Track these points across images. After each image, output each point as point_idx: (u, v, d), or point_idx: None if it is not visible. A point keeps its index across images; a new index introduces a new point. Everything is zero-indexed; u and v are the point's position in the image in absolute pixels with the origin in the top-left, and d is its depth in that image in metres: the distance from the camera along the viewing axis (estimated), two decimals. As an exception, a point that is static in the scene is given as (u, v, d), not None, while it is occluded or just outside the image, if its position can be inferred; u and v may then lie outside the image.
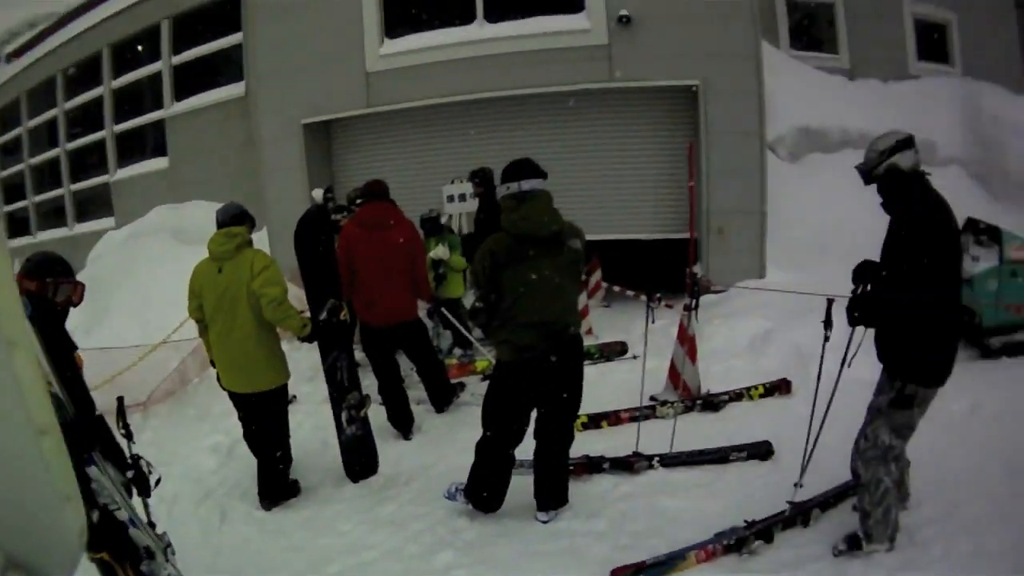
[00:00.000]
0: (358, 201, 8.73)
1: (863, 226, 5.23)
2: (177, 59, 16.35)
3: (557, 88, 10.63)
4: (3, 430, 1.44)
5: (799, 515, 5.07)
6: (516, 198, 5.22)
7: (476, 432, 5.82)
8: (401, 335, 8.06)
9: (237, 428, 7.30)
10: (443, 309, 9.33)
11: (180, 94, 16.49)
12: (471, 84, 11.01)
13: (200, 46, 16.00)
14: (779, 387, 7.12)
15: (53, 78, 19.98)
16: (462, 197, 10.92)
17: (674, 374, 7.39)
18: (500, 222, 5.26)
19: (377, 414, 7.60)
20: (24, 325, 1.52)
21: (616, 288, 10.08)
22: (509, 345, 5.37)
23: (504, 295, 5.27)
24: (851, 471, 4.80)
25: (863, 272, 4.77)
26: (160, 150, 17.14)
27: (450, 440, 7.59)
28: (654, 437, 6.22)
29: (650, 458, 6.00)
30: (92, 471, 4.10)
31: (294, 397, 7.43)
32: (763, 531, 4.85)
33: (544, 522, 5.60)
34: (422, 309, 8.56)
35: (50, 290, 4.34)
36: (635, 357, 8.41)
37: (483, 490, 5.74)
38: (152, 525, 4.55)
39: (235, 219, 6.54)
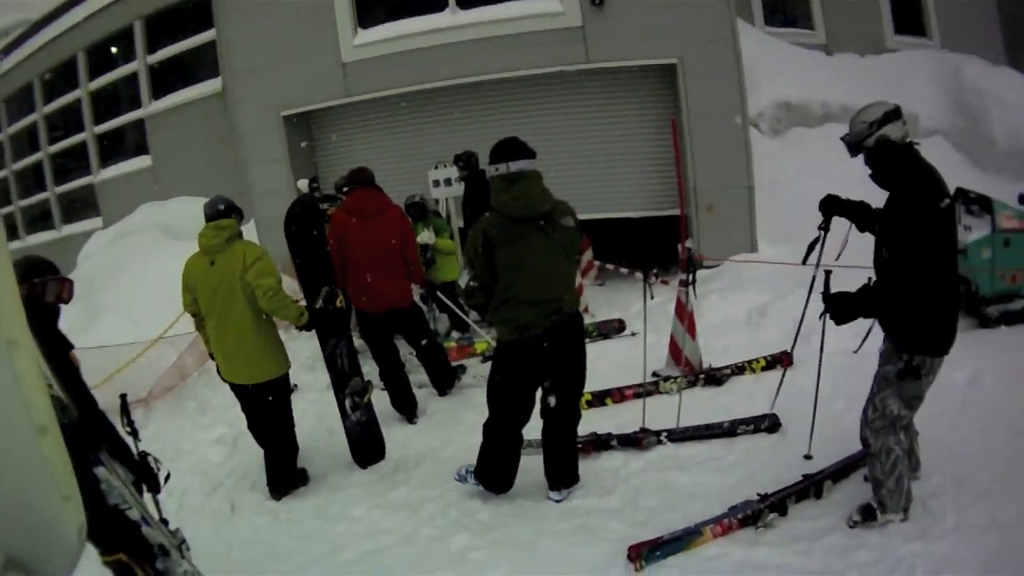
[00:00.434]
0: (345, 189, 8.75)
1: (850, 197, 5.25)
2: (152, 58, 16.30)
3: (534, 71, 10.63)
4: (3, 430, 1.45)
5: (812, 487, 5.05)
6: (506, 179, 5.19)
7: (481, 413, 5.84)
8: (398, 320, 8.07)
9: (240, 419, 7.26)
10: (438, 292, 9.29)
11: (158, 92, 16.47)
12: (447, 70, 11.03)
13: (174, 44, 15.99)
14: (780, 359, 7.08)
15: (30, 84, 19.91)
16: (447, 181, 10.97)
17: (675, 349, 7.38)
18: (490, 202, 5.25)
19: (380, 399, 7.56)
20: (24, 325, 1.52)
21: (610, 266, 10.10)
22: (509, 325, 5.35)
23: (499, 276, 5.26)
24: (860, 440, 4.78)
25: (829, 205, 4.96)
26: (142, 149, 17.14)
27: (456, 422, 7.60)
28: (659, 413, 6.21)
29: (658, 433, 6.01)
30: (100, 471, 4.10)
31: (295, 386, 7.41)
32: (777, 504, 4.85)
33: (557, 501, 5.60)
34: (417, 293, 8.59)
35: (38, 290, 4.28)
36: (633, 334, 8.44)
37: (493, 471, 5.74)
38: (165, 522, 4.56)
39: (223, 212, 6.55)
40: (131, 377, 9.11)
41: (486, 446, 5.70)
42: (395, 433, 7.54)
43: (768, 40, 11.76)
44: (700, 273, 8.12)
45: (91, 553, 6.21)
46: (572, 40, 10.08)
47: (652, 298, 7.20)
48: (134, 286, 12.59)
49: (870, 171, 4.41)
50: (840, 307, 4.40)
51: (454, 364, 8.70)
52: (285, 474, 6.90)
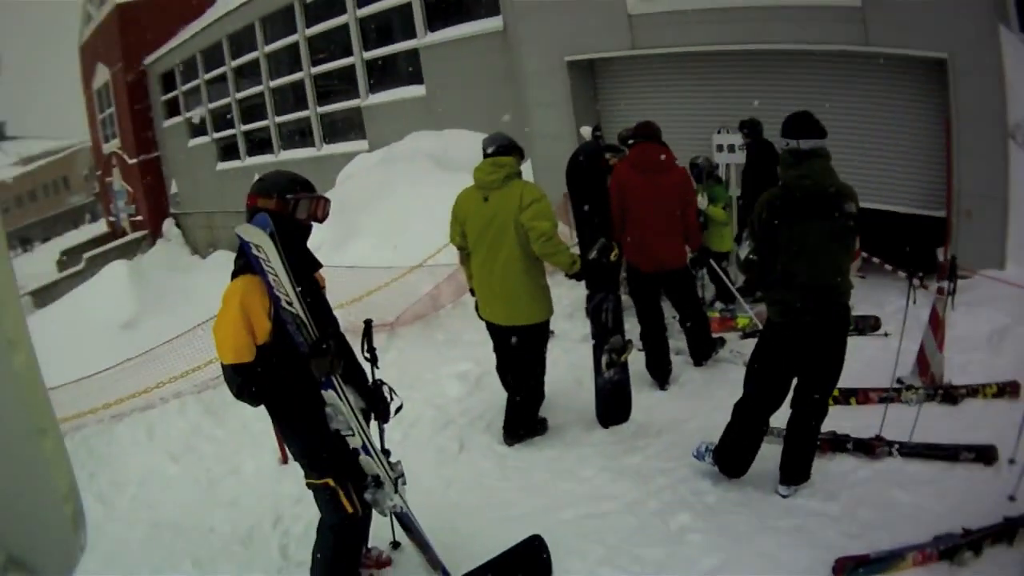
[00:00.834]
0: (630, 141, 8.56)
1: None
2: None
3: (813, 47, 10.55)
4: (3, 430, 1.52)
5: (1006, 532, 4.95)
6: (796, 154, 5.23)
7: (732, 390, 5.94)
8: (669, 282, 8.17)
9: (488, 358, 7.48)
10: (711, 260, 9.39)
11: (433, 24, 17.05)
12: (730, 35, 11.02)
13: None
14: (1008, 389, 6.95)
15: (290, 5, 21.03)
16: (731, 148, 11.03)
17: (923, 360, 7.31)
18: (778, 176, 5.48)
19: (635, 360, 7.57)
20: (24, 325, 1.61)
21: (876, 260, 9.97)
22: (781, 306, 5.40)
23: (778, 253, 5.31)
24: None
25: None
26: (415, 78, 17.75)
27: (706, 396, 7.61)
28: (894, 421, 6.17)
29: (891, 444, 5.99)
30: (329, 395, 4.28)
31: (552, 333, 7.49)
32: (975, 542, 4.82)
33: (784, 496, 5.63)
34: (689, 257, 8.50)
35: (290, 206, 4.23)
36: (886, 334, 8.39)
37: (733, 453, 5.81)
38: (387, 453, 4.72)
39: (504, 149, 6.57)
40: (381, 301, 9.66)
41: (732, 426, 5.78)
42: (643, 397, 7.58)
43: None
44: (955, 283, 8.01)
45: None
46: (852, 20, 9.91)
47: (915, 302, 7.19)
48: (396, 211, 13.14)
49: None
50: None
51: (714, 336, 8.70)
52: (525, 421, 7.09)
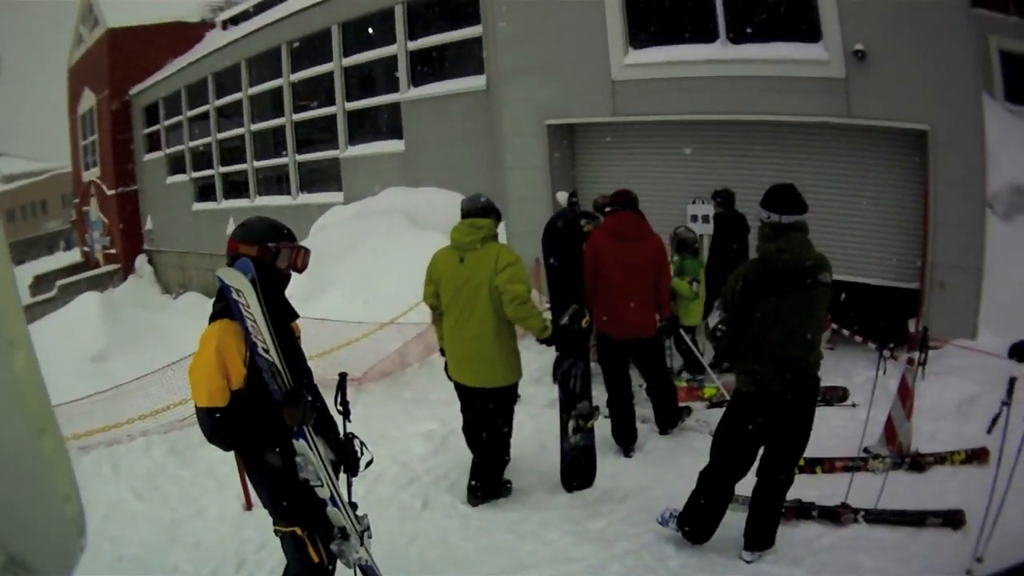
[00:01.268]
0: (607, 209, 8.67)
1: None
2: (413, 45, 17.02)
3: (799, 118, 10.71)
4: (3, 430, 1.52)
5: None
6: (776, 228, 5.29)
7: (697, 458, 6.01)
8: (638, 350, 8.20)
9: (454, 418, 7.55)
10: (680, 330, 9.49)
11: (416, 80, 17.16)
12: (711, 105, 11.20)
13: (436, 35, 16.65)
14: (978, 455, 7.07)
15: (277, 49, 21.13)
16: (706, 218, 11.26)
17: (890, 429, 7.38)
18: (757, 249, 5.52)
19: (601, 427, 7.62)
20: (24, 326, 1.64)
21: (845, 332, 10.04)
22: (751, 376, 5.45)
23: (751, 324, 5.37)
24: None
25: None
26: (395, 132, 17.82)
27: (671, 463, 7.73)
28: (860, 489, 6.23)
29: (856, 512, 6.06)
30: (299, 444, 4.28)
31: (519, 397, 7.51)
32: None
33: (748, 562, 5.65)
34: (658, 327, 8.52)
35: (271, 254, 4.26)
36: (854, 405, 8.52)
37: (697, 520, 5.83)
38: (354, 506, 4.71)
39: (481, 211, 6.68)
40: (349, 356, 9.66)
41: (697, 493, 5.79)
42: (608, 463, 7.68)
43: (1007, 117, 11.28)
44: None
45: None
46: (835, 91, 10.10)
47: (884, 372, 7.25)
48: (368, 266, 13.16)
49: None
50: None
51: (681, 405, 8.75)
52: (489, 482, 7.11)
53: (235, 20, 27.09)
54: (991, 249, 9.65)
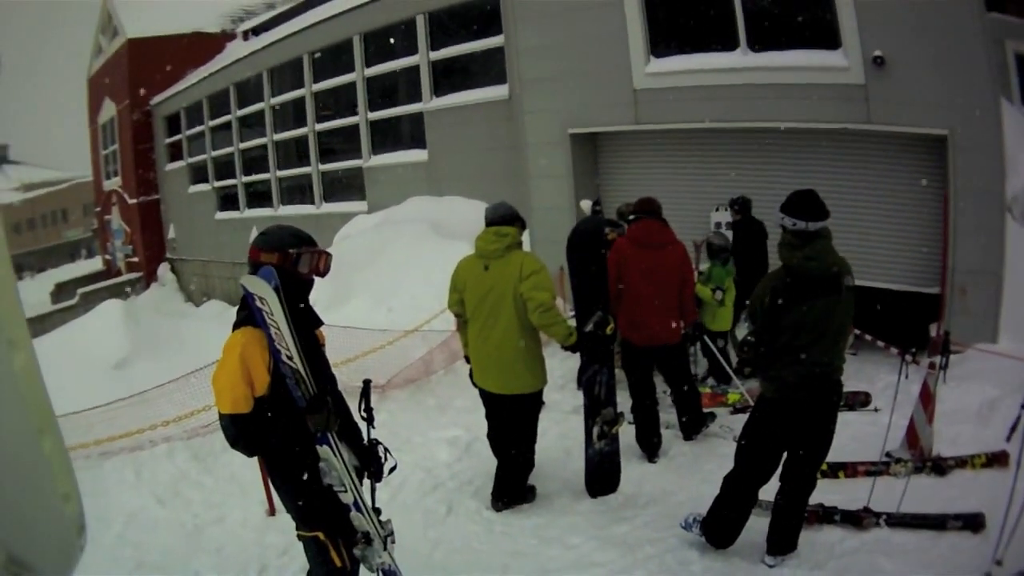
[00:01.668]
0: (631, 217, 8.73)
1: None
2: (435, 55, 17.12)
3: (815, 125, 10.74)
4: (3, 430, 1.52)
5: None
6: (801, 236, 5.29)
7: (721, 464, 6.08)
8: (663, 357, 8.27)
9: (478, 424, 7.57)
10: (705, 336, 9.52)
11: (439, 90, 17.25)
12: (737, 112, 11.25)
13: (458, 45, 16.76)
14: (998, 459, 7.05)
15: (299, 60, 21.25)
16: (729, 225, 11.21)
17: (912, 433, 7.39)
18: (781, 258, 5.54)
19: (625, 433, 7.63)
20: (24, 326, 1.64)
21: (868, 337, 9.99)
22: (777, 383, 5.51)
23: (779, 333, 5.40)
24: None
25: None
26: (418, 142, 17.90)
27: (695, 469, 7.76)
28: (882, 493, 6.23)
29: (879, 516, 6.08)
30: (323, 450, 4.32)
31: (543, 403, 7.38)
32: None
33: (770, 566, 5.68)
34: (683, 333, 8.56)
35: (292, 260, 4.27)
36: (876, 410, 8.54)
37: (720, 525, 5.87)
38: (378, 511, 4.70)
39: (506, 219, 6.72)
40: (374, 363, 9.66)
41: (721, 498, 5.83)
42: (632, 469, 7.70)
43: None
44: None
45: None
46: (855, 98, 10.10)
47: (907, 377, 7.17)
48: (392, 274, 13.23)
49: None
50: None
51: (705, 411, 8.76)
52: (513, 488, 7.16)
53: (256, 31, 27.25)
54: (1011, 253, 9.65)
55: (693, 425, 8.56)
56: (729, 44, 11.39)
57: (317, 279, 4.50)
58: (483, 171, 15.92)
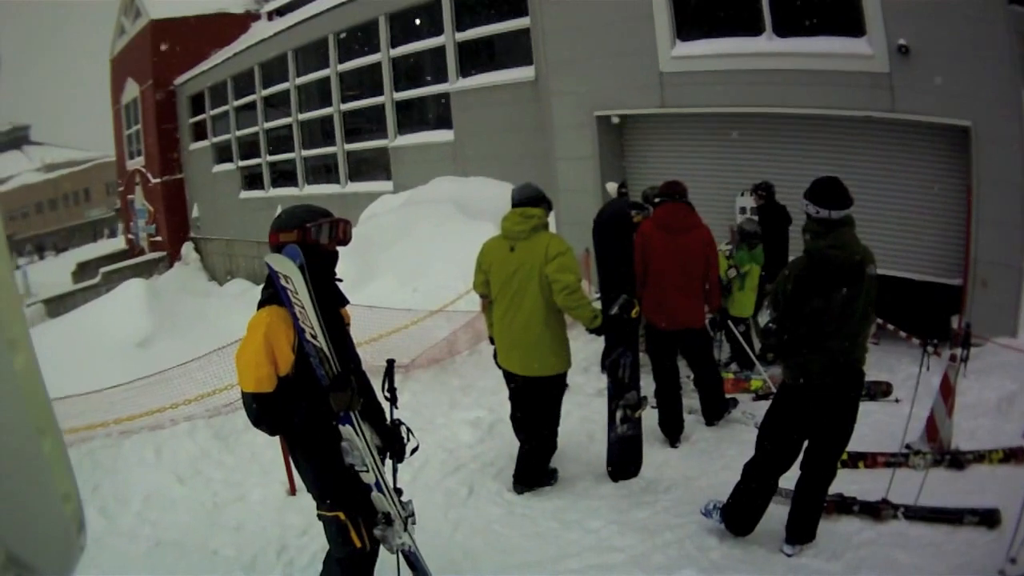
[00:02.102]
0: (656, 200, 8.70)
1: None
2: (461, 36, 17.19)
3: (839, 112, 10.73)
4: (3, 430, 1.49)
5: None
6: (825, 224, 5.26)
7: (743, 450, 6.09)
8: (686, 341, 8.29)
9: (501, 406, 7.66)
10: (729, 321, 9.53)
11: (465, 70, 17.34)
12: (758, 98, 11.25)
13: (484, 27, 16.83)
14: (1015, 455, 7.06)
15: (324, 40, 21.37)
16: (753, 211, 11.16)
17: (932, 426, 7.36)
18: (788, 238, 5.43)
19: (647, 417, 7.62)
20: (24, 326, 1.61)
21: (890, 326, 10.00)
22: (799, 371, 5.47)
23: (802, 321, 5.38)
24: None
25: None
26: (444, 122, 18.01)
27: (716, 455, 7.77)
28: (901, 485, 6.19)
29: (897, 507, 6.07)
30: (346, 430, 4.33)
31: (567, 386, 7.36)
32: None
33: (788, 555, 5.68)
34: (707, 318, 8.68)
35: (312, 233, 4.27)
36: (897, 400, 8.50)
37: (740, 512, 5.88)
38: (399, 492, 4.71)
39: (532, 200, 6.66)
40: (398, 343, 9.70)
41: (741, 485, 5.85)
42: (654, 453, 7.73)
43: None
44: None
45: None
46: (879, 86, 10.07)
47: (928, 368, 7.21)
48: (418, 254, 13.25)
49: None
50: None
51: (727, 397, 8.78)
52: (535, 470, 7.13)
53: (280, 11, 27.35)
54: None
55: (715, 411, 8.58)
56: (755, 29, 11.36)
57: (342, 257, 4.53)
58: (509, 152, 15.98)
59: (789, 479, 5.80)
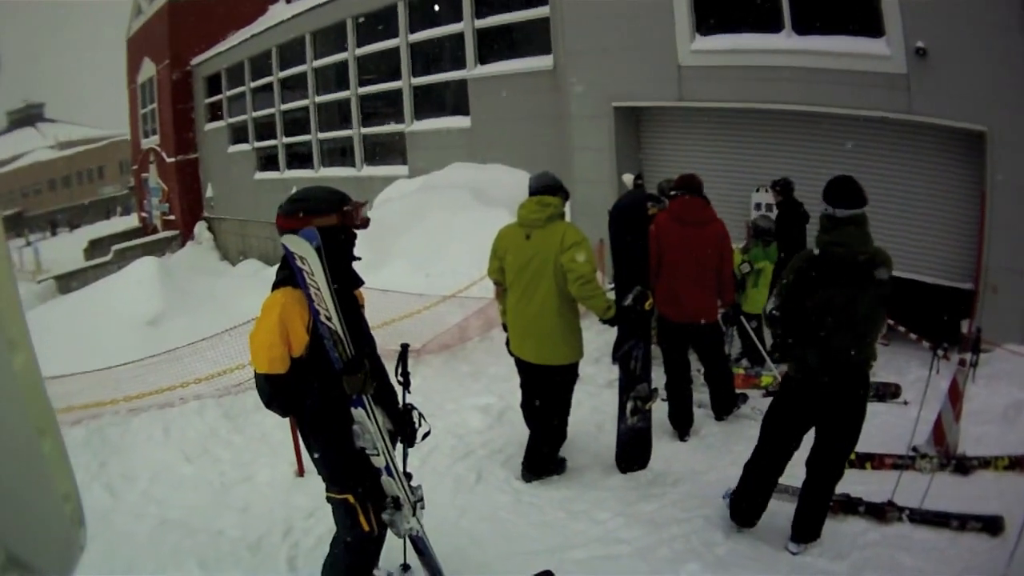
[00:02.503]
0: (672, 193, 8.65)
1: None
2: (480, 23, 17.19)
3: (857, 112, 10.70)
4: (3, 430, 1.49)
5: None
6: (831, 220, 5.28)
7: (750, 446, 5.99)
8: (698, 334, 8.24)
9: (511, 393, 7.67)
10: (741, 317, 9.51)
11: (483, 57, 17.35)
12: (775, 94, 11.23)
13: (503, 14, 16.83)
14: (1020, 462, 7.07)
15: (342, 23, 21.41)
16: (769, 207, 11.23)
17: (939, 430, 7.34)
18: (805, 237, 5.43)
19: (657, 410, 7.58)
20: (24, 325, 1.60)
21: (901, 328, 9.96)
22: (799, 363, 5.52)
23: (804, 315, 5.40)
24: None
25: None
26: (461, 109, 18.03)
27: (724, 450, 7.76)
28: (906, 488, 6.21)
29: (902, 510, 6.09)
30: (357, 412, 4.31)
31: (578, 376, 7.25)
32: None
33: (794, 553, 5.71)
34: (719, 313, 8.61)
35: (351, 216, 4.25)
36: (905, 403, 8.50)
37: (743, 503, 5.94)
38: (408, 476, 4.73)
39: (550, 189, 6.65)
40: (409, 327, 9.69)
41: (744, 476, 5.93)
42: (663, 447, 7.71)
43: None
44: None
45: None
46: (897, 87, 10.05)
47: (938, 372, 7.19)
48: (432, 239, 13.31)
49: None
50: None
51: (737, 392, 8.80)
52: (544, 459, 7.12)
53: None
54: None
55: (725, 405, 8.58)
56: (774, 26, 11.36)
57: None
58: (525, 140, 15.97)
59: (797, 477, 5.83)
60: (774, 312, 5.65)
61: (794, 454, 5.78)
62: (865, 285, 5.27)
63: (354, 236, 4.41)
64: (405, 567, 5.53)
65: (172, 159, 32.88)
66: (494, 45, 17.39)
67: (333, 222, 4.21)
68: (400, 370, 4.78)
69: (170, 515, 6.90)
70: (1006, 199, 9.62)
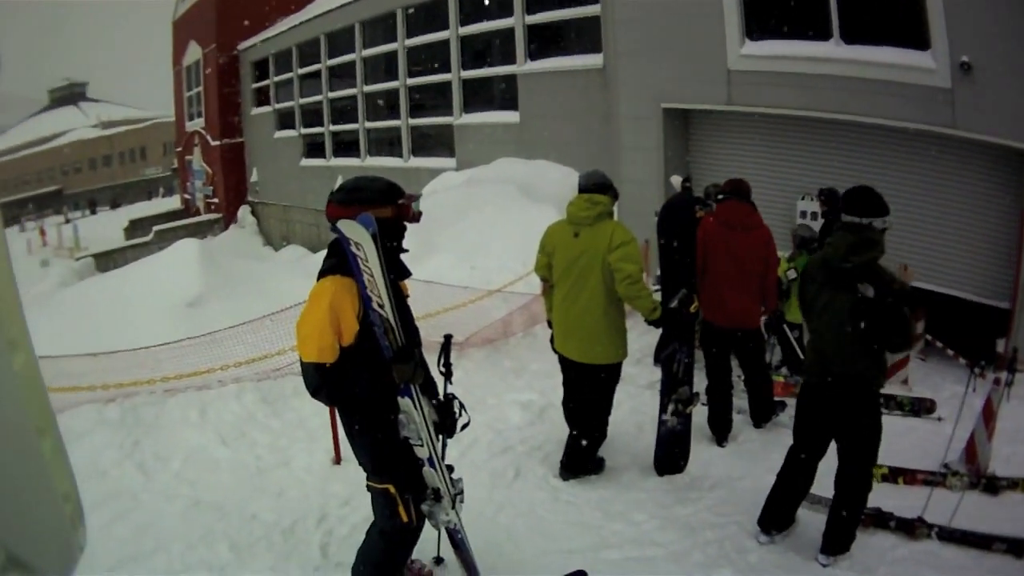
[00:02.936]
0: (720, 197, 8.61)
1: None
2: (531, 19, 17.33)
3: (901, 124, 10.69)
4: (3, 430, 1.49)
5: None
6: (847, 228, 5.33)
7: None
8: (740, 340, 8.25)
9: (553, 390, 7.71)
10: (784, 324, 9.55)
11: (533, 53, 17.48)
12: (822, 102, 11.26)
13: (555, 11, 16.91)
14: None
15: (392, 14, 21.55)
16: (815, 215, 11.23)
17: (971, 448, 7.32)
18: None
19: (696, 414, 7.60)
20: (24, 325, 1.61)
21: (939, 344, 9.89)
22: (805, 363, 5.75)
23: (806, 315, 5.62)
24: None
25: None
26: (510, 104, 18.15)
27: (761, 456, 7.64)
28: (936, 505, 6.19)
29: (931, 527, 6.09)
30: (404, 402, 4.36)
31: (620, 376, 7.22)
32: None
33: (823, 564, 5.71)
34: (763, 320, 8.64)
35: (406, 208, 4.32)
36: (939, 419, 8.44)
37: (771, 507, 6.03)
38: (450, 468, 4.78)
39: (600, 187, 6.65)
40: (453, 320, 9.75)
41: (776, 480, 6.01)
42: (701, 451, 7.74)
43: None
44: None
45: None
46: (941, 101, 10.01)
47: (975, 390, 7.17)
48: (477, 233, 13.37)
49: None
50: None
51: (776, 399, 8.75)
52: (584, 458, 7.14)
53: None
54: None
55: (763, 413, 8.57)
56: (823, 34, 11.36)
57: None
58: (573, 138, 16.05)
59: (831, 488, 5.86)
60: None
61: (819, 464, 5.89)
62: (845, 295, 5.38)
63: (405, 228, 4.46)
64: (438, 560, 5.65)
65: (217, 142, 33.33)
66: (544, 41, 17.52)
67: (388, 214, 4.26)
68: (443, 360, 4.91)
69: (204, 496, 7.01)
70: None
